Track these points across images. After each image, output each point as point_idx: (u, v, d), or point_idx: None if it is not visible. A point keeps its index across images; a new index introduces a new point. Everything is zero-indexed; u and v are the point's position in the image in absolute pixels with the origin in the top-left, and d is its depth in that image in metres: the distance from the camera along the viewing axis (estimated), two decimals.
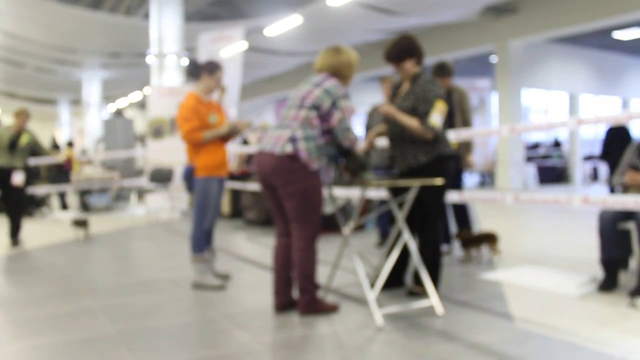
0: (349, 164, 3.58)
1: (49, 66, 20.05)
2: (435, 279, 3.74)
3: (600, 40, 17.09)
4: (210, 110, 4.32)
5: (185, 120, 4.20)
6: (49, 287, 4.45)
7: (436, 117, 3.60)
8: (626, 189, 3.96)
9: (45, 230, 8.42)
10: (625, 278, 4.09)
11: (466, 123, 5.14)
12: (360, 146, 3.62)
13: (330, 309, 3.46)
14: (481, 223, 7.72)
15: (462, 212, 5.19)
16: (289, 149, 3.29)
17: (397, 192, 3.82)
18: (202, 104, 4.30)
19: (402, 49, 3.73)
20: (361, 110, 9.54)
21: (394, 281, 3.98)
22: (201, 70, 4.35)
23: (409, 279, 4.07)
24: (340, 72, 3.48)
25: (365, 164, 3.51)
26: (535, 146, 19.32)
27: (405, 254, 3.86)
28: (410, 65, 3.75)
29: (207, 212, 4.28)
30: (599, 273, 4.14)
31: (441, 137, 3.75)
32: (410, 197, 3.58)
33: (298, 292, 3.42)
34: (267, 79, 22.89)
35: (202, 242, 4.31)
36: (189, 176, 4.33)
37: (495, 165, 15.49)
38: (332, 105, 3.34)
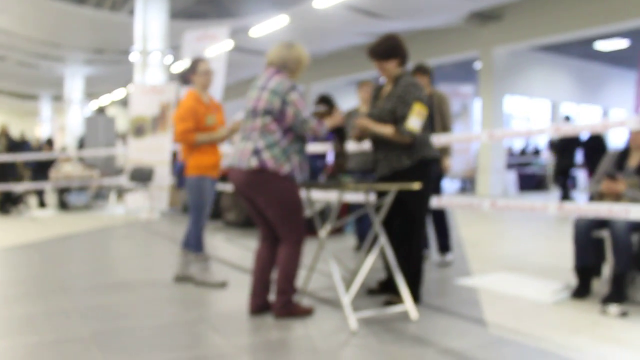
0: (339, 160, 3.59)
1: (32, 60, 19.76)
2: (417, 287, 3.69)
3: (583, 50, 17.32)
4: (209, 111, 4.33)
5: (181, 120, 4.23)
6: (23, 287, 4.39)
7: (413, 121, 3.54)
8: (602, 197, 4.01)
9: (22, 228, 8.31)
10: (598, 285, 4.14)
11: (445, 128, 5.17)
12: (326, 129, 3.55)
13: (305, 312, 3.45)
14: (459, 229, 7.77)
15: (440, 217, 5.21)
16: (254, 162, 3.30)
17: (376, 196, 3.81)
18: (201, 103, 4.31)
19: (387, 48, 3.69)
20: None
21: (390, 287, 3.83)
22: (188, 75, 4.43)
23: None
24: (287, 66, 3.48)
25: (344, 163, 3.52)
26: (522, 153, 19.46)
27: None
28: (392, 66, 3.71)
29: (204, 210, 4.32)
30: (572, 280, 4.19)
31: (425, 140, 3.71)
32: (387, 200, 3.57)
33: (275, 295, 3.42)
34: (252, 79, 22.76)
35: (201, 240, 4.34)
36: (180, 173, 4.34)
37: (476, 172, 15.60)
38: (282, 103, 3.34)
